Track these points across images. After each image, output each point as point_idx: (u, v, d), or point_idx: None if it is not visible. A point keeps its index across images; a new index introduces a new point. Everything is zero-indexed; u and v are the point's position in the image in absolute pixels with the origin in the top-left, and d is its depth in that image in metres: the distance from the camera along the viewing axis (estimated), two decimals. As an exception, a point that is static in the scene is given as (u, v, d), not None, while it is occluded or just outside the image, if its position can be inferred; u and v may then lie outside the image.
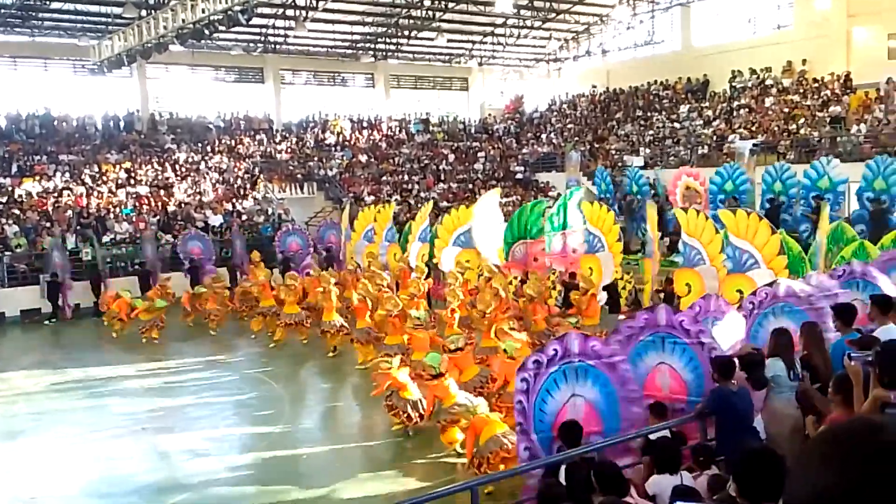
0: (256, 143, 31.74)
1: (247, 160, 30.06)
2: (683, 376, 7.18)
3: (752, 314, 8.10)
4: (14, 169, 25.28)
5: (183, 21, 20.63)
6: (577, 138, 33.66)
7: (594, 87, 37.30)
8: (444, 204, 26.45)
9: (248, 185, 28.02)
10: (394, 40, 34.38)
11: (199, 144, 30.14)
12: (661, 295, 13.39)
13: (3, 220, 22.07)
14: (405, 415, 10.08)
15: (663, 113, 32.74)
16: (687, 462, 5.93)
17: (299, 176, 29.80)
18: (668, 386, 7.19)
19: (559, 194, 29.41)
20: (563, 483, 5.66)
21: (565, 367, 6.70)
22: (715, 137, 28.48)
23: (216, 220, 24.74)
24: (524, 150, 35.38)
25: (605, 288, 14.77)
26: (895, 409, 4.65)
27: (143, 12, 23.39)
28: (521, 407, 6.53)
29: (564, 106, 38.47)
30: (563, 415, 6.57)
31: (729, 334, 7.70)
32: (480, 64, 39.14)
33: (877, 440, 1.12)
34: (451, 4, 30.06)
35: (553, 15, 33.43)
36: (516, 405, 6.62)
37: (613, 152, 31.27)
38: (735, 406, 6.34)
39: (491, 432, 8.05)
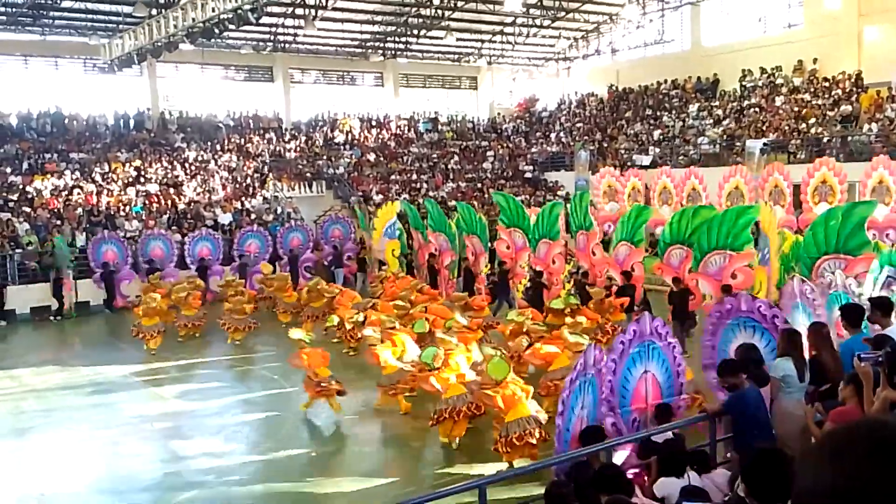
0: (266, 141, 31.81)
1: (256, 159, 30.13)
2: (660, 379, 7.49)
3: (718, 327, 8.16)
4: (25, 167, 25.41)
5: (193, 20, 20.69)
6: (586, 137, 33.60)
7: (612, 85, 37.14)
8: (452, 203, 26.41)
9: (258, 184, 28.08)
10: (403, 39, 34.37)
11: (209, 143, 30.23)
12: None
13: (14, 218, 22.18)
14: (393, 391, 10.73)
15: (673, 112, 32.64)
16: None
17: (308, 174, 29.85)
18: (650, 393, 7.40)
19: (568, 193, 29.50)
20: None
21: (582, 380, 6.89)
22: (725, 136, 28.39)
23: (225, 218, 24.81)
24: (533, 150, 35.35)
25: (619, 289, 14.78)
26: (906, 410, 4.62)
27: (154, 11, 23.47)
28: (559, 430, 6.73)
29: (574, 105, 38.41)
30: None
31: None
32: (489, 63, 39.10)
33: (879, 437, 1.13)
34: (460, 3, 30.04)
35: (562, 14, 33.34)
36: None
37: (622, 151, 31.20)
38: (748, 405, 6.32)
39: (518, 414, 8.51)
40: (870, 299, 7.48)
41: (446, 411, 9.41)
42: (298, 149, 32.01)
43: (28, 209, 22.93)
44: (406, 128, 36.36)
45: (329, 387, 11.01)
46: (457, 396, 9.53)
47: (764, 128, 27.28)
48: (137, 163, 27.22)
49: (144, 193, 25.44)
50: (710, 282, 13.47)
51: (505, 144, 36.45)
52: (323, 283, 17.59)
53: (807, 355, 6.94)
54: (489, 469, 8.66)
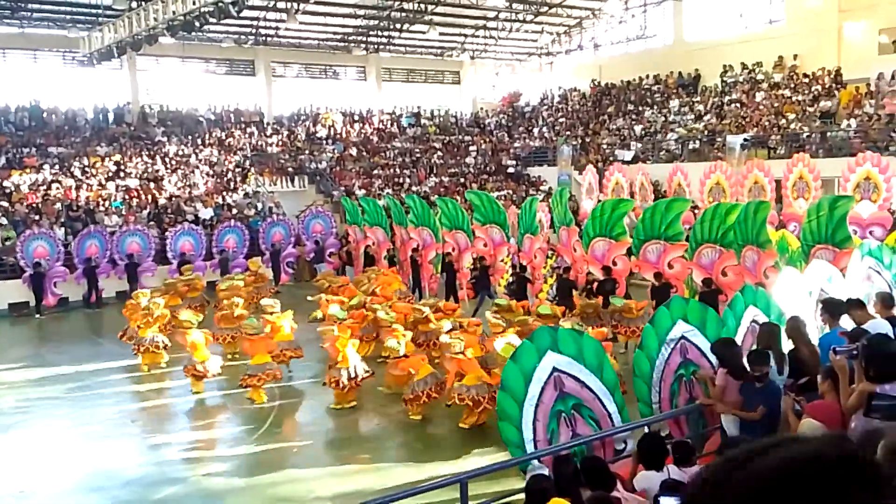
0: (247, 135, 31.63)
1: (237, 153, 29.95)
2: None
3: None
4: (3, 161, 25.10)
5: (174, 13, 20.53)
6: (568, 132, 33.68)
7: (594, 80, 37.23)
8: (435, 198, 26.41)
9: (239, 179, 27.92)
10: (386, 33, 34.30)
11: (190, 137, 30.01)
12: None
13: (-8, 213, 21.95)
14: (335, 382, 11.07)
15: (655, 107, 32.79)
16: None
17: (290, 169, 29.72)
18: None
19: (550, 189, 29.60)
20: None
21: None
22: (706, 132, 28.56)
23: (206, 213, 24.66)
24: (516, 144, 35.39)
25: (600, 284, 14.82)
26: (881, 402, 4.67)
27: (134, 3, 23.29)
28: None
29: (556, 100, 38.48)
30: None
31: None
32: (472, 57, 39.12)
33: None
34: (443, -3, 30.03)
35: (545, 9, 33.43)
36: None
37: (605, 146, 31.31)
38: (773, 397, 6.37)
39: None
40: (877, 294, 7.61)
41: (418, 391, 10.33)
42: (280, 143, 31.86)
43: (6, 204, 22.67)
44: (389, 122, 36.28)
45: (195, 369, 12.10)
46: (428, 376, 10.45)
47: (744, 123, 27.47)
48: (117, 157, 26.97)
49: (124, 188, 25.22)
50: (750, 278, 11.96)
51: (488, 139, 36.47)
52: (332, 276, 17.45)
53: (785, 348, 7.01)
54: (470, 464, 8.69)
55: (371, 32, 34.02)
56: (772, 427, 6.12)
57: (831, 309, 7.21)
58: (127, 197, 24.75)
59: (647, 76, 34.79)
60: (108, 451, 9.90)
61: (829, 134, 24.80)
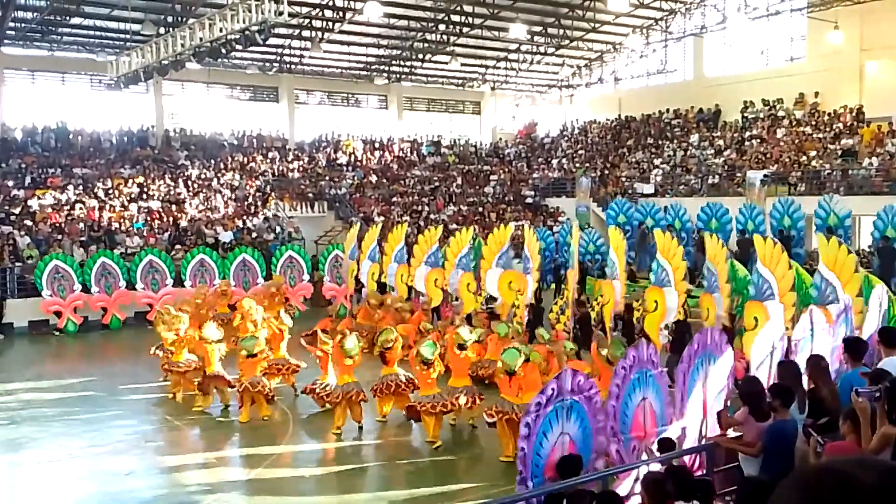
0: (269, 161, 31.94)
1: (259, 178, 30.24)
2: (655, 408, 7.46)
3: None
4: (28, 181, 25.49)
5: (200, 39, 20.79)
6: (587, 164, 33.73)
7: (609, 120, 37.36)
8: (454, 226, 26.46)
9: (259, 203, 28.15)
10: (408, 63, 34.65)
11: (212, 161, 30.36)
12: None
13: (16, 232, 22.22)
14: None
15: (674, 141, 32.80)
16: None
17: (310, 195, 29.95)
18: (648, 422, 7.39)
19: (568, 219, 29.57)
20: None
21: (558, 405, 6.73)
22: (726, 167, 28.52)
23: (226, 236, 24.86)
24: (535, 175, 35.48)
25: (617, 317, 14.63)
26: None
27: (162, 30, 23.69)
28: (523, 454, 6.49)
29: (576, 132, 38.63)
30: (553, 455, 6.63)
31: (723, 370, 7.73)
32: (493, 88, 39.39)
33: (805, 484, 1.15)
34: (465, 29, 30.33)
35: (566, 42, 33.65)
36: (518, 452, 6.61)
37: (624, 179, 31.31)
38: (788, 436, 6.28)
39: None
40: (878, 331, 7.54)
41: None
42: (301, 169, 32.14)
43: (30, 223, 22.96)
44: (409, 150, 36.54)
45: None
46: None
47: (765, 159, 27.40)
48: (140, 179, 27.32)
49: (146, 210, 25.50)
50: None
51: (507, 169, 36.60)
52: None
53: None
54: (487, 494, 8.61)
55: (393, 62, 34.39)
56: (789, 465, 6.03)
57: (853, 348, 7.15)
58: (149, 219, 25.01)
59: (667, 110, 34.86)
60: (119, 472, 9.88)
61: (850, 172, 24.69)
